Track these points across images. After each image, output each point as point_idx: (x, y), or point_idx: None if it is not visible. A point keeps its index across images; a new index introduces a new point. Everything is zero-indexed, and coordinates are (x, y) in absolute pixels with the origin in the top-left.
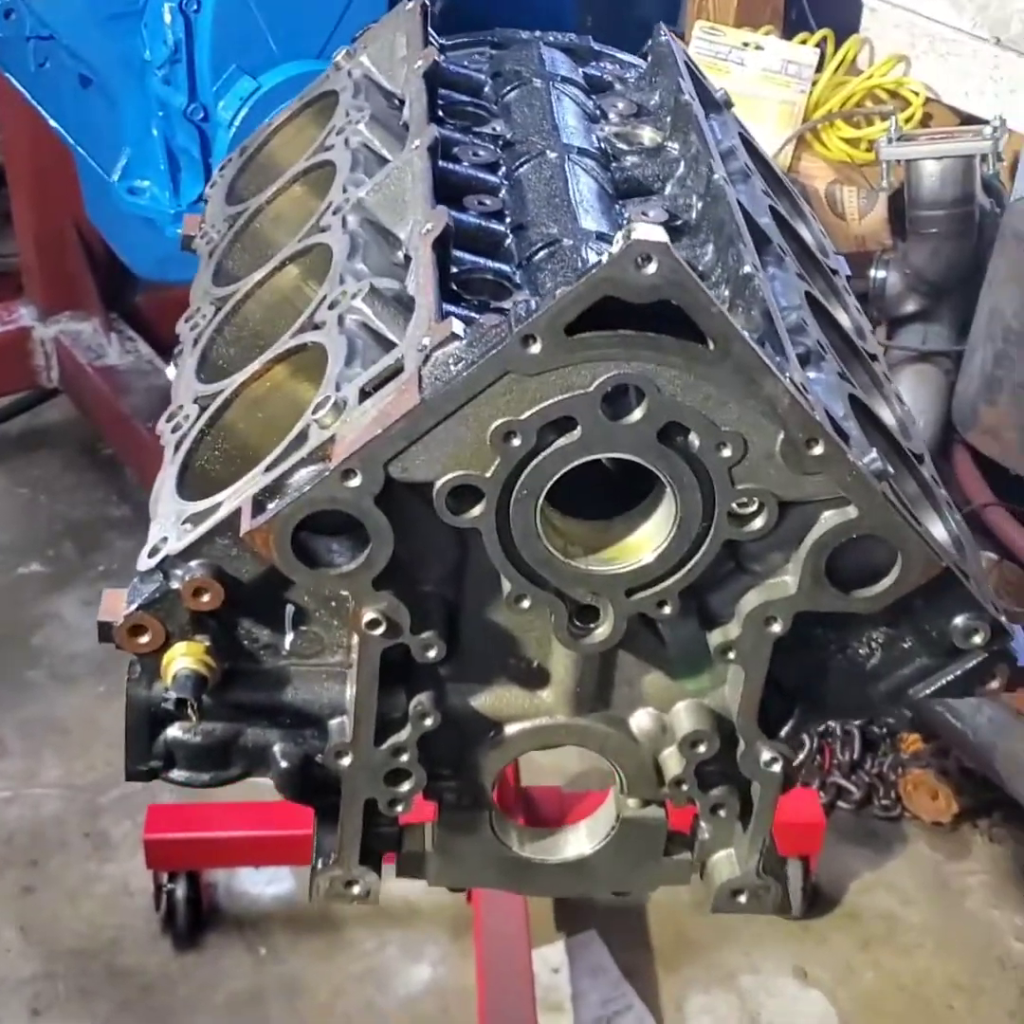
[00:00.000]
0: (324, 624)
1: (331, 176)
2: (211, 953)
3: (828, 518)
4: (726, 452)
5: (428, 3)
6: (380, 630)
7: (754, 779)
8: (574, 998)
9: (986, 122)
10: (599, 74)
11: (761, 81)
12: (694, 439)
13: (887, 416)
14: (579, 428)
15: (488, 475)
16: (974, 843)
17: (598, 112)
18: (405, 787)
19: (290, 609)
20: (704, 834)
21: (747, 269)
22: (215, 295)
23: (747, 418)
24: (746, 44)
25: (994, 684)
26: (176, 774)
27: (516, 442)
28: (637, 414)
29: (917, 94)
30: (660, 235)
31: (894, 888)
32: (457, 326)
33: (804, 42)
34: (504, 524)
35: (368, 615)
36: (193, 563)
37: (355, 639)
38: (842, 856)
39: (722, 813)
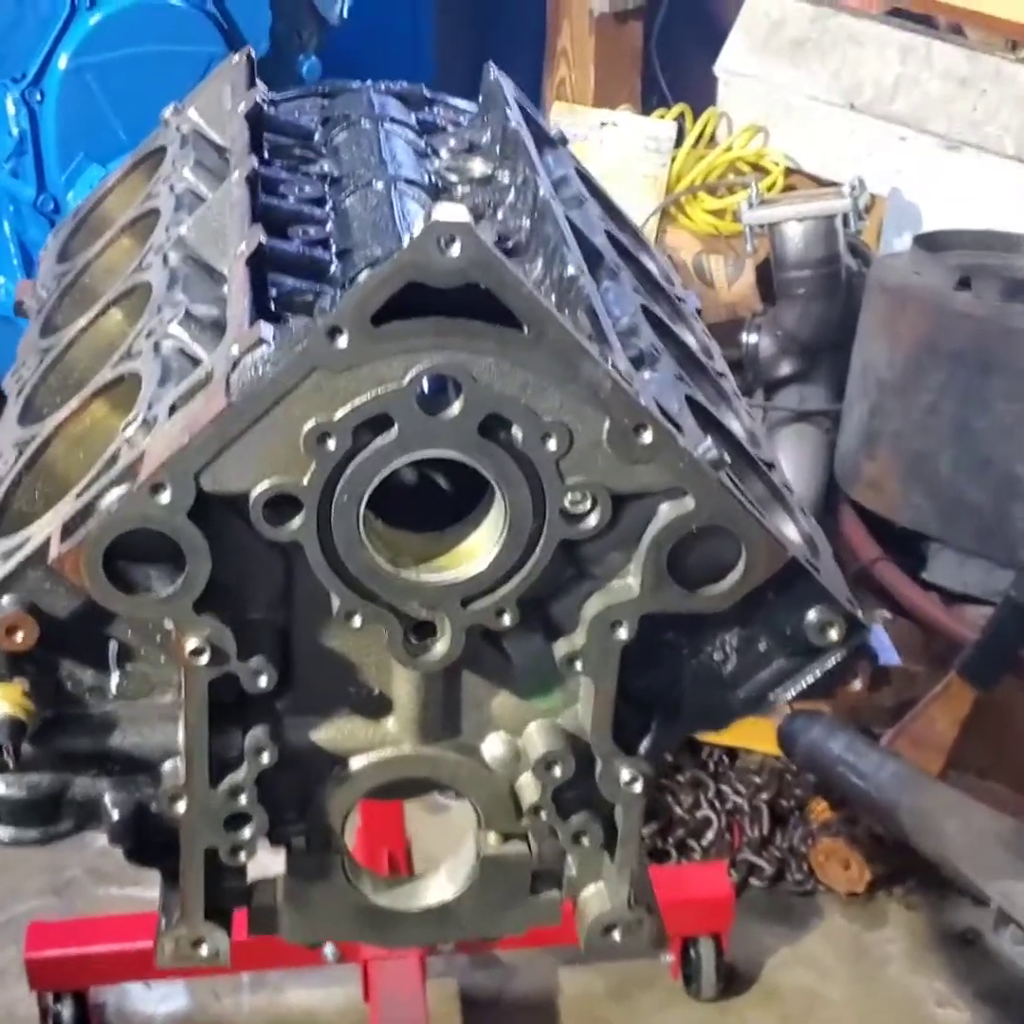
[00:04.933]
0: (151, 662)
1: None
2: None
3: (666, 511)
4: (551, 444)
5: (252, 54)
6: (205, 658)
7: (615, 801)
8: None
9: None
10: (432, 119)
11: (622, 157)
12: (517, 432)
13: (736, 426)
14: (396, 426)
15: (305, 482)
16: (890, 911)
17: (429, 150)
18: (247, 832)
19: (114, 647)
20: (571, 869)
21: (571, 271)
22: (41, 347)
23: (570, 406)
24: (604, 123)
25: (856, 683)
26: (1, 832)
27: (331, 444)
28: (455, 408)
29: (777, 164)
30: (462, 215)
31: (812, 962)
32: (266, 331)
33: (662, 117)
34: (327, 535)
35: (191, 643)
36: (4, 600)
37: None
38: (757, 934)
39: (585, 841)
